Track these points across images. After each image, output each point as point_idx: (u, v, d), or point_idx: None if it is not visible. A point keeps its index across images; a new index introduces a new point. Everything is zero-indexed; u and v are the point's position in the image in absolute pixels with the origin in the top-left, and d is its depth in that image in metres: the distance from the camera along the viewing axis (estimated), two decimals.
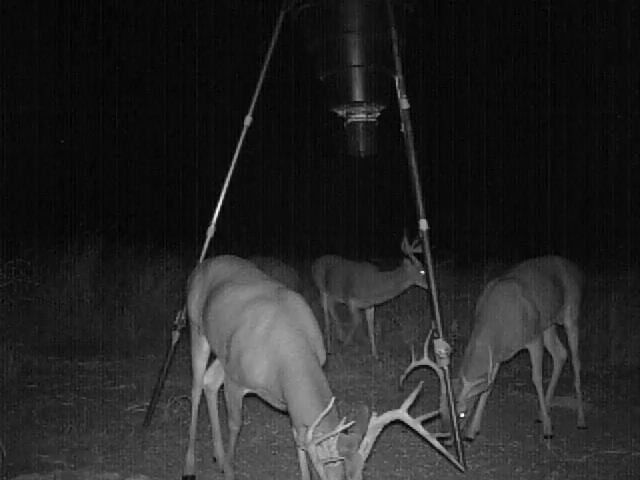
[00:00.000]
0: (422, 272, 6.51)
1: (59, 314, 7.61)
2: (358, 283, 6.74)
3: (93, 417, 4.76)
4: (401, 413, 2.78)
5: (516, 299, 4.51)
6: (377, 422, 2.76)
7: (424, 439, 2.88)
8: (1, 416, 4.64)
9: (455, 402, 4.06)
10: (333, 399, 2.83)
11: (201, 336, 3.77)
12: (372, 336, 6.91)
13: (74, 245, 8.46)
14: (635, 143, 15.29)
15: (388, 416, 2.77)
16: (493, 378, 4.25)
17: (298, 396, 2.96)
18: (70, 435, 4.38)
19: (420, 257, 6.43)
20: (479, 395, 4.43)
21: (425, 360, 4.07)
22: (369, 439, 2.75)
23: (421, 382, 2.90)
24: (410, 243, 6.45)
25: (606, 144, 16.23)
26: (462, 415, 4.14)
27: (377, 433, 2.78)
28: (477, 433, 4.51)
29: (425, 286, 6.52)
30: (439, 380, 4.14)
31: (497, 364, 4.37)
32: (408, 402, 2.79)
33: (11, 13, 13.65)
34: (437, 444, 2.84)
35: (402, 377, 4.13)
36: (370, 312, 6.99)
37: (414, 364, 4.09)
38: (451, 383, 4.08)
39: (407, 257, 6.52)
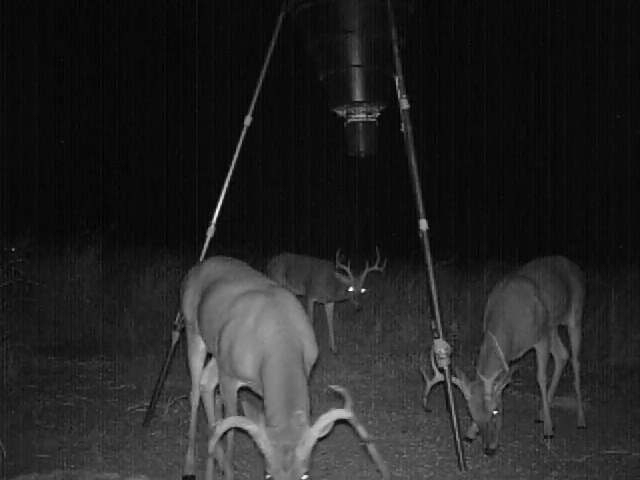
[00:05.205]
0: (364, 290, 6.84)
1: (59, 314, 7.60)
2: (316, 280, 7.06)
3: (93, 417, 4.75)
4: (344, 412, 2.71)
5: (529, 297, 4.48)
6: (327, 417, 2.70)
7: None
8: (1, 416, 4.63)
9: (455, 403, 4.07)
10: (308, 402, 2.85)
11: (197, 335, 3.79)
12: (331, 330, 7.13)
13: (74, 245, 8.46)
14: (635, 143, 15.29)
15: (335, 414, 2.70)
16: (509, 371, 4.20)
17: (268, 387, 2.95)
18: (70, 435, 4.38)
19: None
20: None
21: (438, 377, 4.16)
22: (315, 431, 2.67)
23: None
24: (371, 265, 6.84)
25: (606, 144, 16.25)
26: (495, 412, 4.08)
27: (323, 429, 2.70)
28: (477, 433, 4.50)
29: (355, 303, 6.83)
30: (457, 388, 4.13)
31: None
32: (348, 404, 2.72)
33: (12, 12, 13.66)
34: (373, 449, 2.78)
35: (424, 400, 4.24)
36: (329, 307, 7.23)
37: (429, 385, 4.19)
38: (452, 383, 4.09)
39: (341, 271, 6.81)
